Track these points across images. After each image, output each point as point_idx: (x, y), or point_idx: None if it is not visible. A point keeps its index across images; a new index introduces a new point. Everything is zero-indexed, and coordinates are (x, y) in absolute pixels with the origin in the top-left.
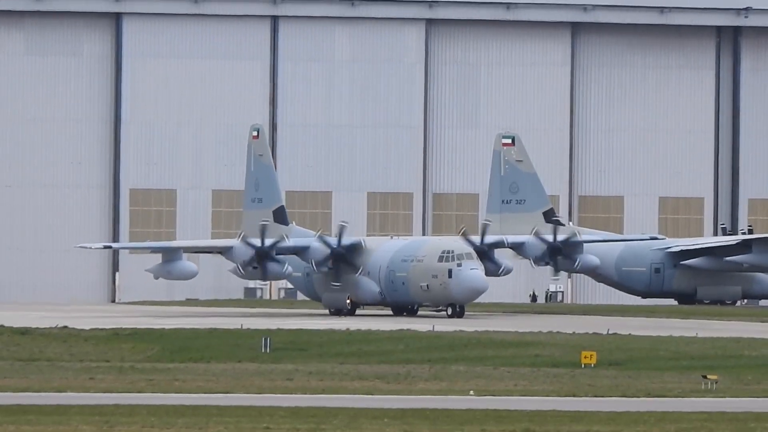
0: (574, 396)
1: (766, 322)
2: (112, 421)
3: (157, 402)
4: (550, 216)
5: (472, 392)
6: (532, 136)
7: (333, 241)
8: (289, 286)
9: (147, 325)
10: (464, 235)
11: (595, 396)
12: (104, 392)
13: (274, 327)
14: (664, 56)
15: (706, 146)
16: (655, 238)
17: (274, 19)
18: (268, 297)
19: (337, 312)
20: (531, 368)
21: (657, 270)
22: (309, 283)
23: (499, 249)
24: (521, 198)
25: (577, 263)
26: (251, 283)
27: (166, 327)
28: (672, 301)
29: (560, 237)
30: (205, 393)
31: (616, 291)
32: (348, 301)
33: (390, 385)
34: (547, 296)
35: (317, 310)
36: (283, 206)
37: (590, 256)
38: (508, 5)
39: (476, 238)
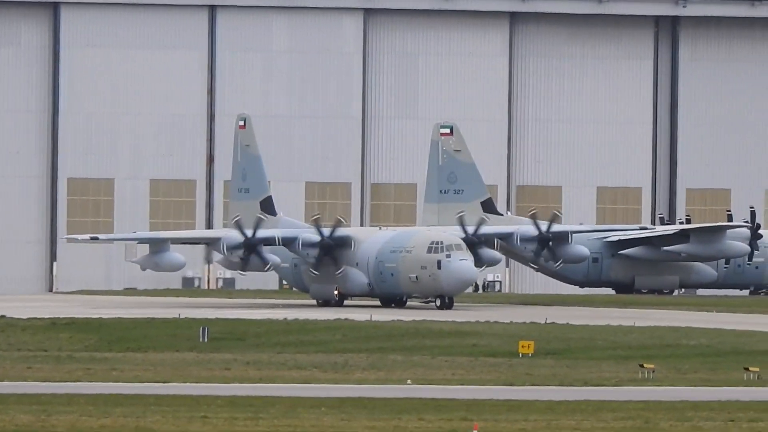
0: (511, 385)
1: (704, 311)
2: (49, 410)
3: (94, 391)
4: (488, 206)
5: (409, 381)
6: (471, 126)
7: (325, 231)
8: (228, 275)
9: (85, 315)
10: (461, 221)
11: (533, 385)
12: (42, 381)
13: (212, 317)
14: (602, 46)
15: (644, 136)
16: (645, 228)
17: (212, 9)
18: (206, 287)
19: (325, 303)
20: (469, 358)
21: (595, 259)
22: (297, 274)
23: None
24: (459, 188)
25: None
26: (189, 273)
27: (105, 317)
28: (610, 291)
29: (547, 228)
30: (142, 382)
31: (554, 280)
32: (336, 292)
33: (327, 374)
34: (484, 286)
35: (304, 300)
36: (270, 196)
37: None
38: None
39: (471, 228)
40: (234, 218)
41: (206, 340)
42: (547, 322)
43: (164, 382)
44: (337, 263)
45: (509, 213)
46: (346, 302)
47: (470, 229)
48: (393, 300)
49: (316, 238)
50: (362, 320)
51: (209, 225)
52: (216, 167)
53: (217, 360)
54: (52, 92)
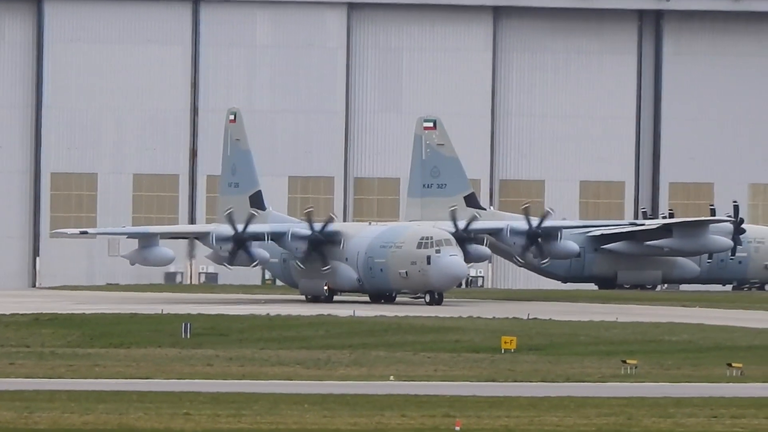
0: (494, 381)
1: (687, 306)
2: (32, 406)
3: (77, 387)
4: (471, 200)
5: (392, 377)
6: (454, 120)
7: (306, 228)
8: (210, 270)
9: (68, 311)
10: (453, 215)
11: (516, 381)
12: (25, 378)
13: (194, 312)
14: (585, 41)
15: (627, 130)
16: (634, 224)
17: (196, 4)
18: (188, 282)
19: (314, 299)
20: (451, 353)
21: (578, 254)
22: (286, 270)
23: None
24: (442, 182)
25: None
26: (171, 268)
27: (87, 312)
28: (593, 286)
29: (538, 223)
30: (125, 379)
31: (537, 276)
32: (325, 287)
33: (310, 370)
34: (467, 281)
35: (294, 296)
36: (260, 191)
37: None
38: None
39: (462, 223)
40: (226, 211)
41: (189, 335)
42: (530, 317)
43: (147, 379)
44: (327, 259)
45: (492, 207)
46: (335, 298)
47: (461, 225)
48: (382, 295)
49: (305, 233)
50: (345, 316)
51: (192, 220)
52: (199, 162)
53: (200, 356)
54: (36, 87)
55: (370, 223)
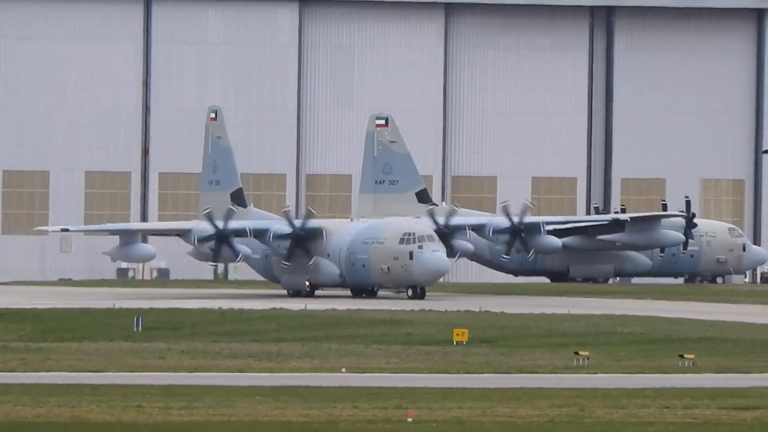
0: (446, 373)
1: (638, 299)
2: None
3: (29, 381)
4: (423, 196)
5: (344, 370)
6: (406, 117)
7: (297, 222)
8: (162, 266)
9: (19, 305)
10: (430, 213)
11: (468, 373)
12: None
13: (146, 306)
14: (537, 37)
15: (579, 126)
16: (617, 220)
17: (148, 1)
18: (140, 277)
19: (296, 294)
20: (403, 346)
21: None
22: (268, 265)
23: (459, 231)
24: (394, 179)
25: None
26: (124, 264)
27: (39, 307)
28: (545, 280)
29: (519, 219)
30: (77, 372)
31: (489, 270)
32: (307, 283)
33: (262, 363)
34: None
35: (275, 291)
36: (241, 188)
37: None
38: None
39: (441, 219)
40: (204, 210)
41: (140, 329)
42: (482, 310)
43: (99, 372)
44: (309, 254)
45: (444, 204)
46: (317, 293)
47: (441, 220)
48: (364, 291)
49: (287, 229)
50: (297, 309)
51: (144, 217)
52: (151, 159)
53: (152, 349)
54: None
55: (351, 219)
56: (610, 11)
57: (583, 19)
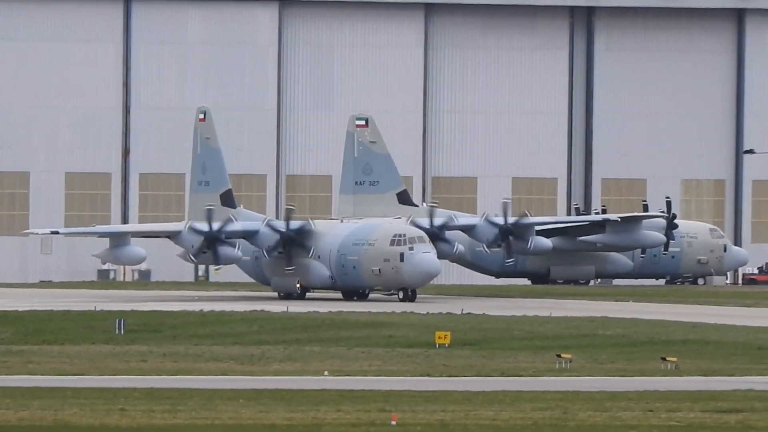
0: (429, 376)
1: (620, 301)
2: None
3: (11, 384)
4: (403, 197)
5: (326, 373)
6: (386, 117)
7: (280, 224)
8: (143, 268)
9: (1, 308)
10: (412, 222)
11: (450, 376)
12: None
13: (128, 309)
14: (517, 37)
15: (559, 127)
16: (607, 220)
17: (127, 1)
18: (121, 279)
19: (287, 296)
20: (385, 349)
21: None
22: (258, 267)
23: (449, 232)
24: (375, 179)
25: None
26: (105, 266)
27: (20, 309)
28: (526, 281)
29: (511, 219)
30: (59, 375)
31: (470, 271)
32: (298, 285)
33: (244, 366)
34: None
35: (266, 293)
36: (230, 189)
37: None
38: None
39: (424, 221)
40: (206, 207)
41: (122, 332)
42: (464, 312)
43: (81, 375)
44: (299, 256)
45: (425, 204)
46: (308, 295)
47: (435, 221)
48: (355, 293)
49: (277, 231)
50: (279, 312)
51: (125, 218)
52: (132, 160)
53: (134, 352)
54: None
55: (342, 220)
56: (590, 11)
57: (563, 19)
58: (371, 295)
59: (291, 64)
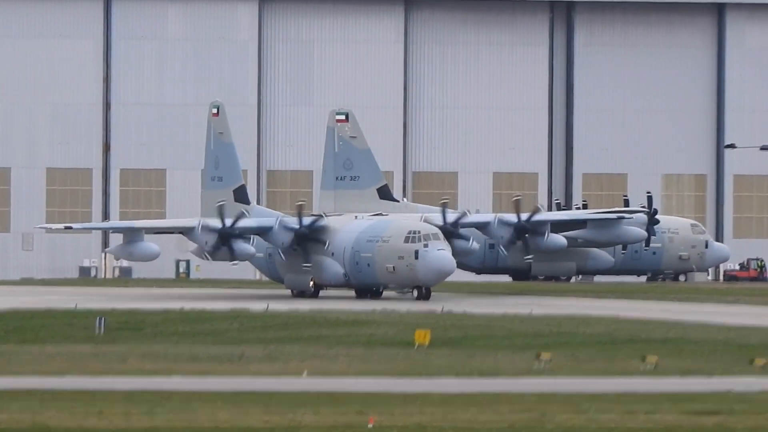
0: (408, 376)
1: (601, 298)
2: None
3: None
4: (384, 192)
5: (306, 372)
6: (366, 112)
7: (293, 221)
8: (125, 264)
9: None
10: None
11: (429, 376)
12: None
13: (108, 307)
14: (497, 32)
15: (539, 122)
16: (622, 217)
17: None
18: (102, 276)
19: (300, 294)
20: (365, 347)
21: (491, 246)
22: (271, 264)
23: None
24: (355, 174)
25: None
26: (86, 262)
27: (1, 307)
28: (507, 278)
29: (525, 216)
30: (39, 376)
31: None
32: (311, 282)
33: (224, 366)
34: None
35: (280, 291)
36: (243, 185)
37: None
38: None
39: (437, 217)
40: (218, 203)
41: (103, 331)
42: (444, 310)
43: (60, 376)
44: (314, 252)
45: (405, 200)
46: (321, 293)
47: (449, 218)
48: (369, 290)
49: (291, 227)
50: (259, 310)
51: (106, 214)
52: (112, 155)
53: (114, 352)
54: None
55: (356, 217)
56: (570, 6)
57: (543, 14)
58: (385, 294)
59: (271, 59)
